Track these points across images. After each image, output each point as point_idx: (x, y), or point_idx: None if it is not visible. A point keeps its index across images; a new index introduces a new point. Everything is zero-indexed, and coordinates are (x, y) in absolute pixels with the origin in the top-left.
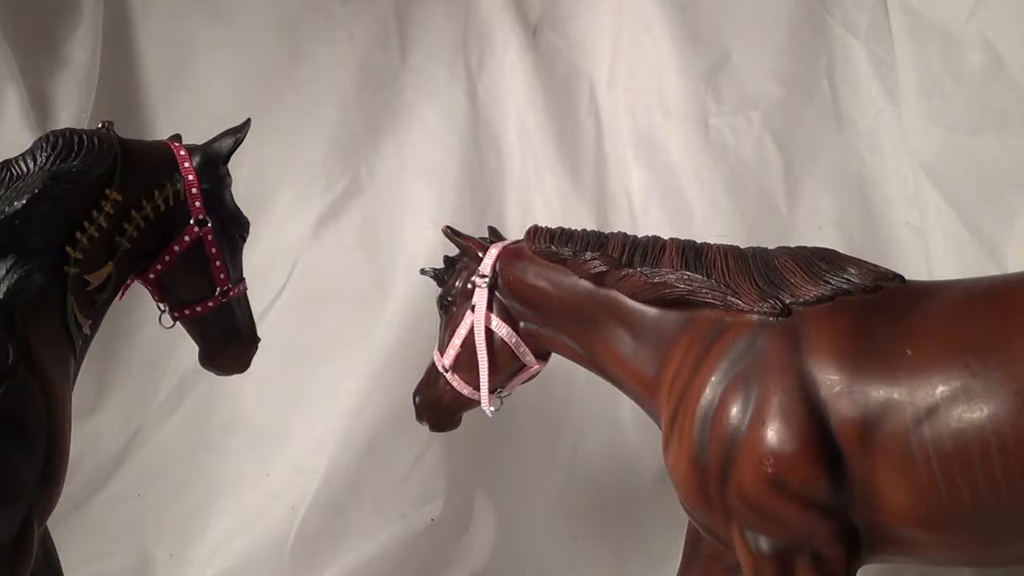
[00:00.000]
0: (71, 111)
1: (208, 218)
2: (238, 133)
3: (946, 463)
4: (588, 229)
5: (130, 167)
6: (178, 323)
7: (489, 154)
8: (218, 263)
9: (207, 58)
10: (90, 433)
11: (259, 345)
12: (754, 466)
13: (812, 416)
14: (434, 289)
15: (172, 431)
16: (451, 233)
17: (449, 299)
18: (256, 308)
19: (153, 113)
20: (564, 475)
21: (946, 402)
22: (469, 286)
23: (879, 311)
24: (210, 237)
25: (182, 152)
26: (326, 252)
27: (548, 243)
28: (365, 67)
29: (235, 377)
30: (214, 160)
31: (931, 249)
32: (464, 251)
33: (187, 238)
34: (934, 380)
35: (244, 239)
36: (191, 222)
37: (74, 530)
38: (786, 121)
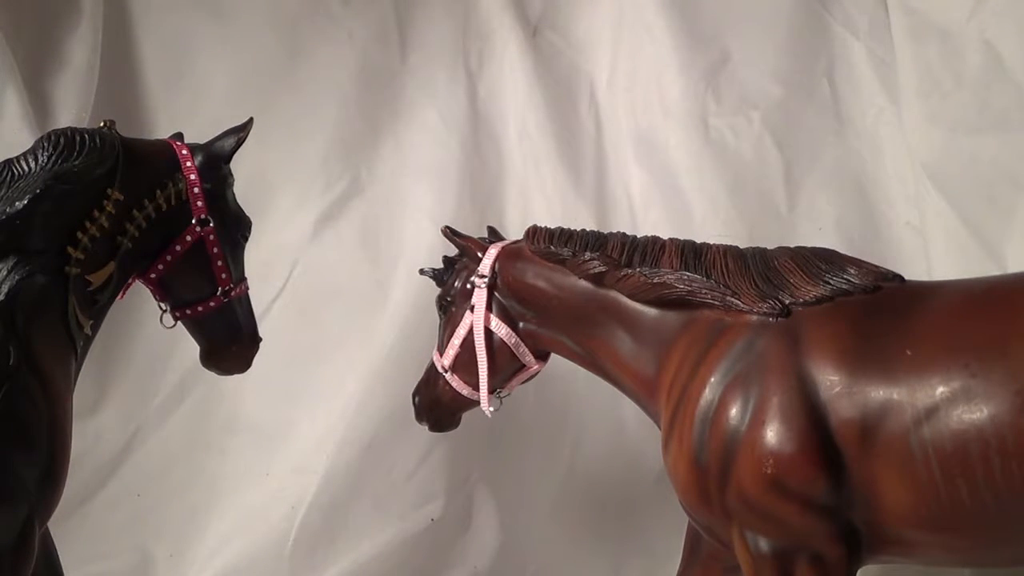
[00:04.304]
0: (71, 111)
1: (210, 218)
2: (240, 132)
3: (946, 463)
4: (587, 229)
5: (132, 166)
6: (179, 323)
7: (489, 154)
8: (220, 263)
9: (207, 57)
10: (90, 433)
11: (260, 345)
12: (753, 467)
13: (812, 417)
14: (433, 289)
15: (172, 431)
16: (450, 233)
17: (448, 299)
18: (256, 308)
19: (153, 113)
20: (564, 475)
21: (946, 403)
22: (468, 286)
23: (879, 311)
24: (212, 237)
25: (184, 151)
26: (326, 252)
27: (547, 243)
28: (365, 67)
29: (235, 377)
30: (216, 159)
31: (931, 249)
32: (463, 251)
33: (189, 238)
34: (934, 381)
35: (246, 239)
36: (193, 222)
37: (74, 530)
38: (786, 121)
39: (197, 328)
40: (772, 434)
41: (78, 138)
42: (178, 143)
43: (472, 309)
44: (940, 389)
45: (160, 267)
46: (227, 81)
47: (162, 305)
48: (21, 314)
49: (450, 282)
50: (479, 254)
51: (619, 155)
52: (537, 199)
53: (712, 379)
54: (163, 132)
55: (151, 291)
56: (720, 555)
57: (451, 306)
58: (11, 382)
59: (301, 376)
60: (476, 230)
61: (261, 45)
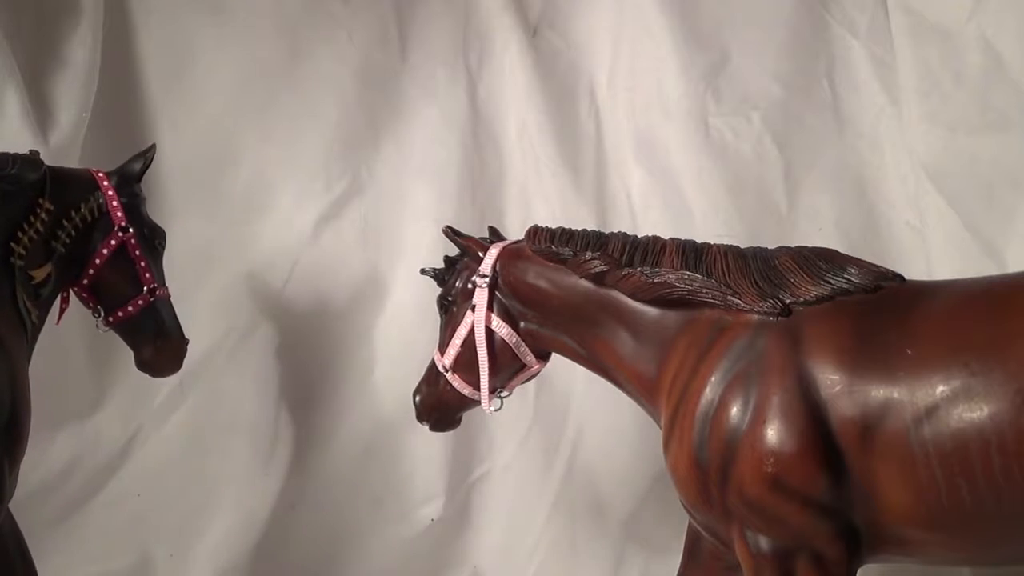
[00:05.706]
0: (71, 111)
1: (130, 225)
2: (146, 154)
3: (946, 463)
4: (588, 229)
5: (57, 183)
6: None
7: (489, 154)
8: (143, 264)
9: (207, 58)
10: (90, 433)
11: (188, 346)
12: (754, 466)
13: (812, 416)
14: (434, 289)
15: (172, 431)
16: (451, 233)
17: (449, 299)
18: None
19: (153, 113)
20: (564, 475)
21: (946, 402)
22: (469, 286)
23: (879, 311)
24: (133, 241)
25: (100, 174)
26: (326, 252)
27: (548, 243)
28: (365, 67)
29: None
30: (128, 178)
31: (931, 249)
32: (464, 251)
33: (113, 242)
34: (934, 380)
35: (163, 247)
36: (115, 228)
37: (74, 530)
38: (786, 121)
39: (128, 332)
40: (772, 433)
41: (9, 155)
42: (94, 170)
43: (473, 309)
44: (940, 388)
45: (91, 271)
46: (227, 81)
47: (96, 312)
48: None
49: (451, 282)
50: (480, 254)
51: (619, 155)
52: (537, 199)
53: (713, 378)
54: (163, 132)
55: (84, 301)
56: (720, 554)
57: (452, 306)
58: None
59: (301, 376)
60: (476, 230)
61: (261, 45)
